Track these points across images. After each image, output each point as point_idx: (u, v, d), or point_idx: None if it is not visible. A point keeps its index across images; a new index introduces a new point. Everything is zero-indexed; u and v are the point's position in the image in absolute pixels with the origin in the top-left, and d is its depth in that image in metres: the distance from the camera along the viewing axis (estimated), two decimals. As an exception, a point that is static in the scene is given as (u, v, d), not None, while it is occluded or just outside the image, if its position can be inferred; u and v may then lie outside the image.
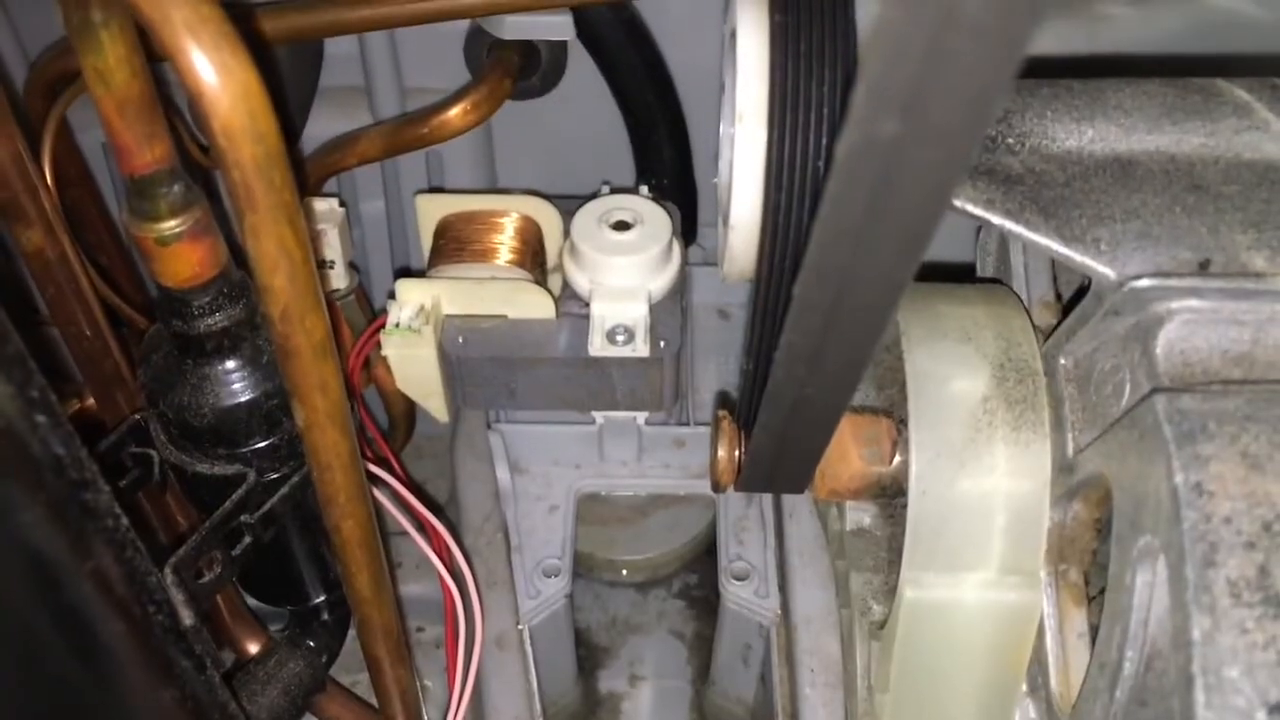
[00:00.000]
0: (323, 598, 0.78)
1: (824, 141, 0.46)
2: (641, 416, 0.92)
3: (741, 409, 0.64)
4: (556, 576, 0.87)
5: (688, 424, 0.94)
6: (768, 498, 0.91)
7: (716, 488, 0.66)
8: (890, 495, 0.64)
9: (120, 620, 0.50)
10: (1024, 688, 0.61)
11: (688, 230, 1.04)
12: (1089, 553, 0.58)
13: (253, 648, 0.85)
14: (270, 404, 0.62)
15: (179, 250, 0.56)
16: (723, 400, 0.96)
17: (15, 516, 0.41)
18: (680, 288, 0.89)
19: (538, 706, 0.84)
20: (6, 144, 0.57)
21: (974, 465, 0.55)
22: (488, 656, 0.89)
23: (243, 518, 0.64)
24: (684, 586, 1.09)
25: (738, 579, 0.87)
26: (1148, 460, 0.46)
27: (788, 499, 0.88)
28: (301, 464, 0.66)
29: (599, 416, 0.93)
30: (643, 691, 1.03)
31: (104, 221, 0.88)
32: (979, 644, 0.58)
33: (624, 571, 1.06)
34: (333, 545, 0.64)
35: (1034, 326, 0.59)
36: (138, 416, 0.66)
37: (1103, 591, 0.58)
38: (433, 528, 0.79)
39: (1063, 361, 0.57)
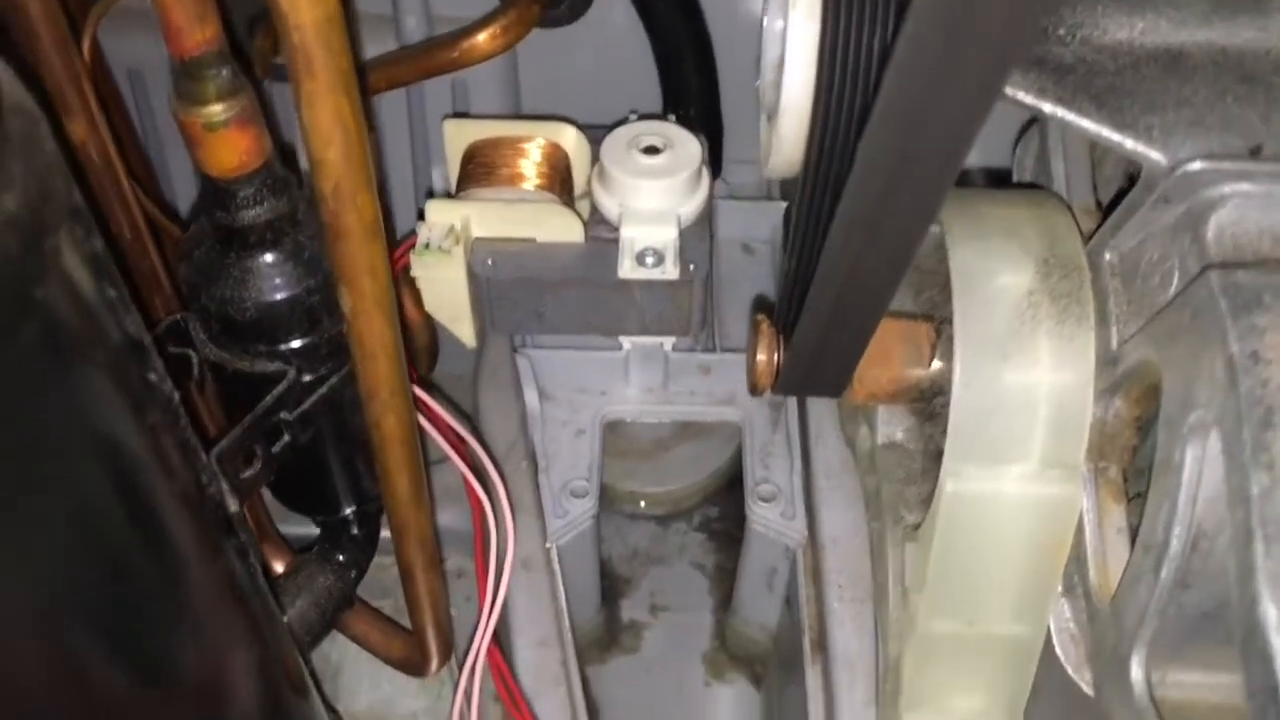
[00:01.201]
0: (352, 509, 0.78)
1: (880, 13, 0.46)
2: (668, 342, 0.92)
3: (780, 311, 0.64)
4: (584, 498, 0.88)
5: (714, 350, 0.94)
6: (794, 421, 0.91)
7: (754, 391, 0.66)
8: (927, 399, 0.64)
9: (174, 496, 0.50)
10: (1059, 588, 0.62)
11: (713, 163, 1.04)
12: (1129, 450, 0.59)
13: (280, 568, 0.86)
14: (311, 300, 0.63)
15: (226, 137, 0.56)
16: (760, 305, 0.96)
17: (86, 384, 0.42)
18: (709, 214, 0.89)
19: (566, 622, 0.84)
20: (51, 28, 0.57)
21: (1018, 358, 0.56)
22: (514, 578, 0.89)
23: (281, 415, 0.64)
24: (705, 520, 1.10)
25: (764, 501, 0.87)
26: (1201, 336, 0.46)
27: (814, 422, 0.89)
28: (340, 366, 0.66)
29: (626, 342, 0.93)
30: (664, 621, 1.04)
31: (135, 150, 0.88)
32: (1018, 538, 0.58)
33: (642, 503, 1.06)
34: (372, 443, 0.64)
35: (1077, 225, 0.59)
36: (178, 316, 0.66)
37: (1139, 496, 0.59)
38: (459, 436, 0.79)
39: (1108, 256, 0.57)
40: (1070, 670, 0.61)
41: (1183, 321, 0.48)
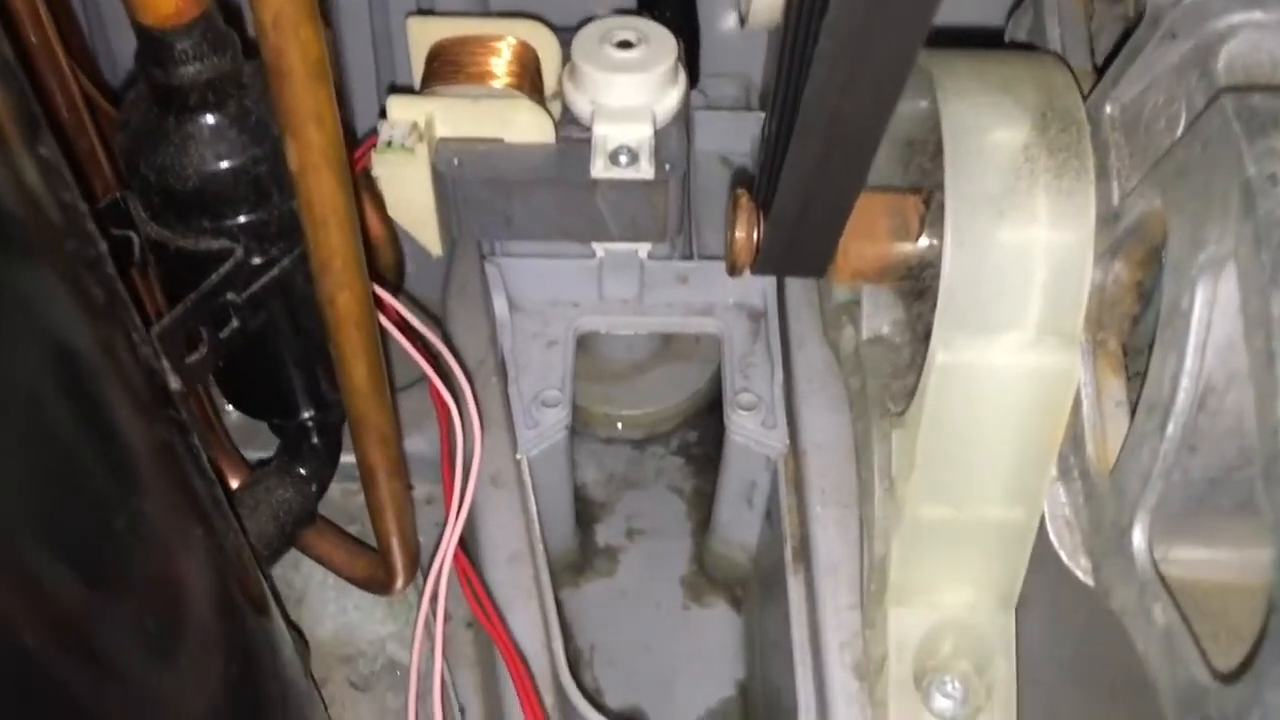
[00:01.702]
0: (311, 413, 0.74)
1: None
2: (644, 249, 0.89)
3: (760, 185, 0.61)
4: (556, 408, 0.84)
5: (691, 258, 0.90)
6: (775, 330, 0.87)
7: (732, 270, 0.62)
8: (916, 275, 0.61)
9: (114, 376, 0.46)
10: (1053, 472, 0.59)
11: (690, 72, 1.00)
12: (1129, 320, 0.55)
13: (236, 483, 0.82)
14: (258, 170, 0.58)
15: (159, -23, 0.52)
16: (740, 178, 0.93)
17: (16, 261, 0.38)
18: (686, 114, 0.85)
19: (538, 534, 0.81)
20: None
21: (1014, 215, 0.52)
22: (484, 494, 0.86)
23: (229, 296, 0.60)
24: (683, 444, 1.06)
25: (744, 410, 0.84)
26: (1213, 165, 0.43)
27: (795, 330, 0.85)
28: (292, 247, 0.62)
29: (599, 250, 0.89)
30: (641, 545, 1.01)
31: (73, 29, 0.83)
32: (1013, 411, 0.55)
33: (620, 426, 1.03)
34: (327, 326, 0.60)
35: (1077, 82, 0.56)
36: (117, 195, 0.62)
37: (1139, 375, 0.55)
38: (419, 335, 0.75)
39: (1108, 109, 0.53)
40: (1065, 558, 0.58)
41: (1193, 155, 0.45)
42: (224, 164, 0.58)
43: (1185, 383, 0.45)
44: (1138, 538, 0.49)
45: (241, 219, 0.60)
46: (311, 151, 0.51)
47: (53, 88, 0.64)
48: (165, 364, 0.55)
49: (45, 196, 0.38)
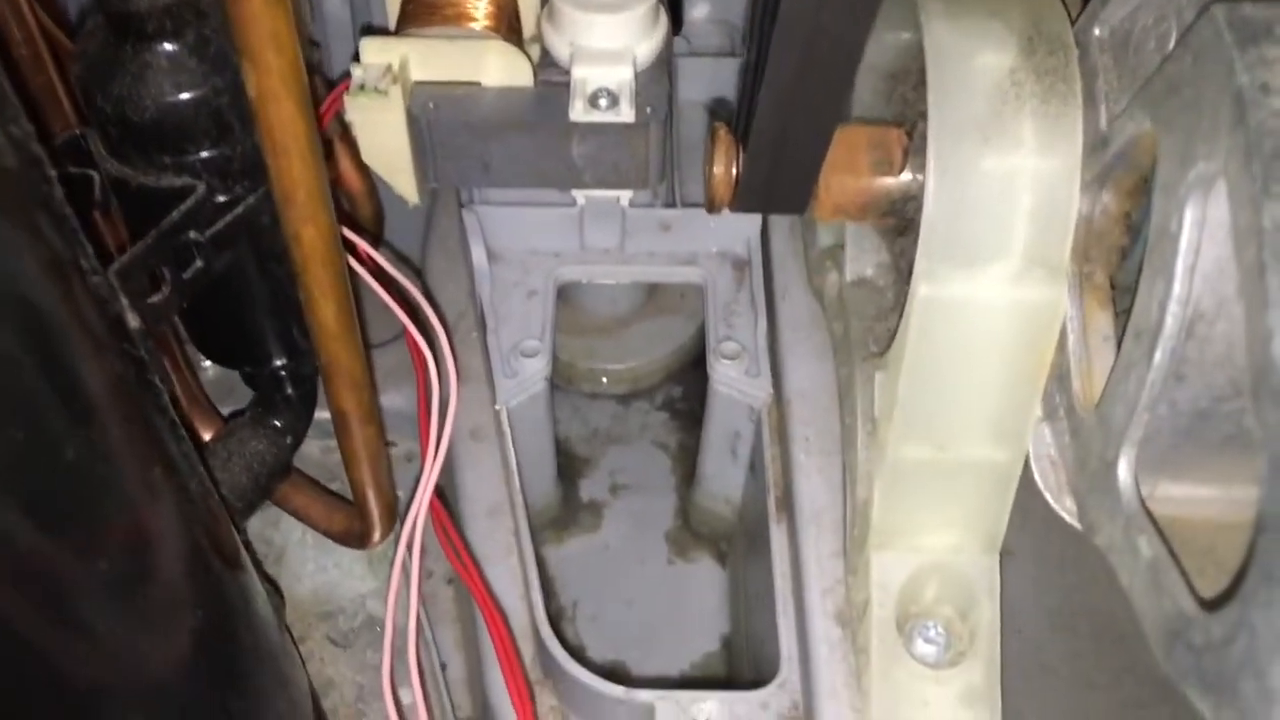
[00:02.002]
0: (283, 361, 0.72)
1: None
2: (625, 197, 0.87)
3: (740, 119, 0.59)
4: (535, 358, 0.83)
5: (674, 205, 0.89)
6: (759, 279, 0.86)
7: (711, 207, 0.60)
8: (899, 211, 0.59)
9: (72, 317, 0.44)
10: (1039, 413, 0.57)
11: (673, 17, 0.98)
12: (1116, 252, 0.54)
13: (209, 435, 0.81)
14: (219, 102, 0.56)
15: (111, -103, 0.50)
16: (718, 111, 0.91)
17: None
18: (667, 56, 0.83)
19: (517, 486, 0.79)
20: None
21: (999, 140, 0.50)
22: (462, 448, 0.84)
23: (191, 235, 0.58)
24: (668, 399, 1.05)
25: (727, 359, 0.82)
26: (1204, 78, 0.41)
27: (780, 278, 0.84)
28: (258, 185, 0.60)
29: (580, 197, 0.87)
30: (625, 500, 0.99)
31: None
32: (997, 346, 0.53)
33: (605, 380, 1.01)
34: (294, 263, 0.59)
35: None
36: (76, 131, 0.60)
37: (1126, 312, 0.54)
38: (398, 287, 0.73)
39: (1096, 32, 0.51)
40: (1050, 499, 0.57)
41: (1183, 68, 0.43)
42: (183, 95, 0.56)
43: (1173, 308, 0.44)
44: (1123, 471, 0.47)
45: (203, 154, 0.58)
46: (270, 77, 0.49)
47: (7, 20, 0.62)
48: (123, 301, 0.53)
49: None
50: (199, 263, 0.59)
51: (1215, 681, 0.36)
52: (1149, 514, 0.47)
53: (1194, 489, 0.50)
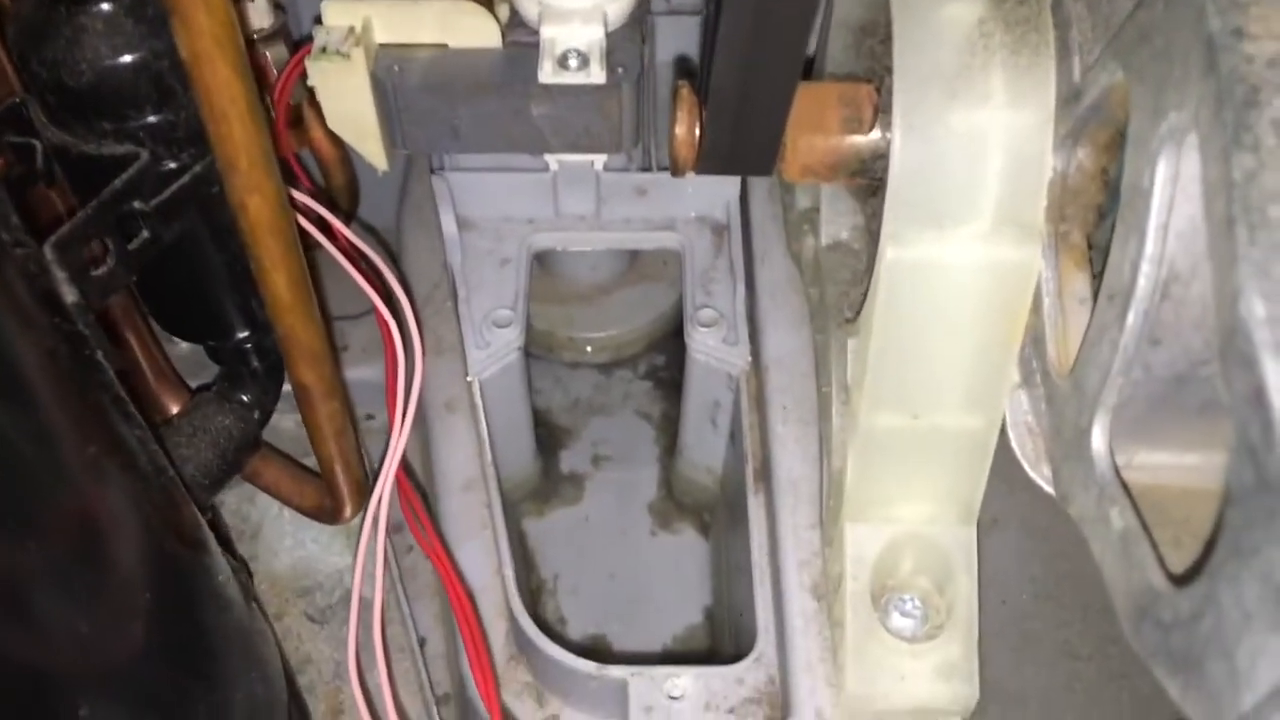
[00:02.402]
0: (247, 334, 0.70)
1: None
2: (599, 161, 0.84)
3: (702, 76, 0.56)
4: (508, 328, 0.81)
5: (650, 170, 0.86)
6: (738, 245, 0.84)
7: (675, 170, 0.58)
8: (870, 171, 0.57)
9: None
10: (1016, 378, 0.55)
11: (650, -26, 0.95)
12: (1093, 211, 0.52)
13: (177, 409, 0.79)
14: (159, 65, 0.54)
15: None
16: (682, 67, 0.88)
17: None
18: (641, 15, 0.81)
19: (489, 459, 0.78)
20: None
21: (967, 95, 0.48)
22: (436, 420, 0.83)
23: (136, 204, 0.56)
24: (651, 368, 1.03)
25: (704, 326, 0.80)
26: (1176, 24, 0.39)
27: (759, 244, 0.81)
28: (206, 152, 0.58)
29: (553, 162, 0.85)
30: (607, 472, 0.98)
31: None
32: (969, 310, 0.51)
33: (588, 349, 0.99)
34: (242, 234, 0.57)
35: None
36: (16, 99, 0.58)
37: (1103, 274, 0.52)
38: (359, 254, 0.71)
39: (1070, -21, 0.49)
40: (1028, 467, 0.55)
41: (1154, 15, 0.41)
42: (121, 58, 0.54)
43: (1146, 268, 0.41)
44: (1097, 438, 0.45)
45: (146, 120, 0.56)
46: (201, 38, 0.47)
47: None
48: (60, 274, 0.51)
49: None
50: (145, 234, 0.58)
51: (1183, 661, 0.34)
52: (1123, 483, 0.45)
53: (1171, 456, 0.48)
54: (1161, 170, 0.40)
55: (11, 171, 0.59)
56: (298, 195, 0.72)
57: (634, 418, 1.01)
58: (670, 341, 1.01)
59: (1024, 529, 0.69)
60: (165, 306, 0.70)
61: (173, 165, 0.58)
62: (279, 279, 0.58)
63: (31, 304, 0.46)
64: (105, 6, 0.53)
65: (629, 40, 0.78)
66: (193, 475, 0.72)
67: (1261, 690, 0.30)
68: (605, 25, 0.77)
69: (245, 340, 0.71)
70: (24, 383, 0.46)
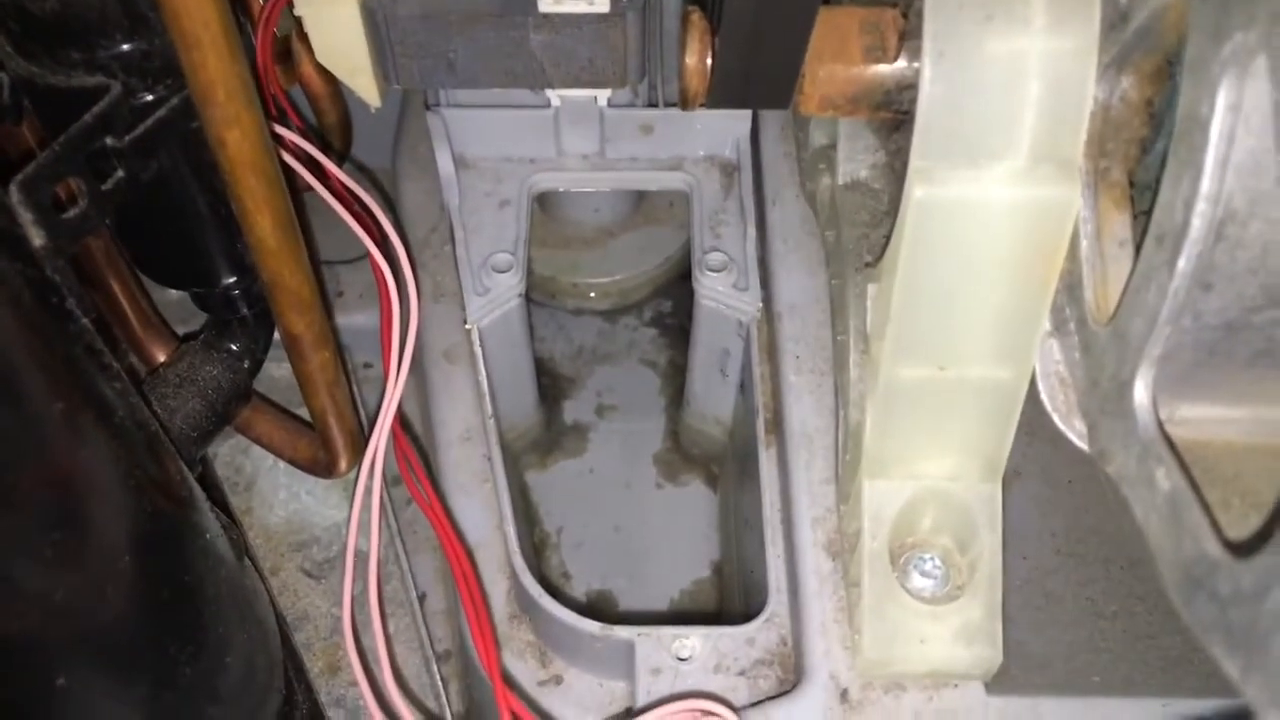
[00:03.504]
0: (234, 280, 0.67)
1: None
2: (603, 96, 0.80)
3: (714, 1, 0.52)
4: (508, 272, 0.77)
5: (656, 106, 0.82)
6: (749, 185, 0.80)
7: (684, 104, 0.54)
8: (895, 104, 0.53)
9: None
10: (1047, 326, 0.52)
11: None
12: (1136, 145, 0.48)
13: (164, 358, 0.76)
14: (129, -11, 0.50)
15: None
16: None
17: None
18: (646, -59, 0.76)
19: (489, 410, 0.75)
20: None
21: (1004, 17, 0.44)
22: (434, 370, 0.79)
23: (108, 140, 0.52)
24: (657, 314, 0.99)
25: (713, 271, 0.77)
26: (1246, -68, 0.35)
27: (771, 184, 0.78)
28: (183, 86, 0.54)
29: (554, 98, 0.81)
30: (612, 422, 0.95)
31: None
32: (1002, 253, 0.48)
33: (592, 295, 0.96)
34: (222, 172, 0.53)
35: None
36: (-23, 30, 0.54)
37: (1145, 214, 0.48)
38: (352, 196, 0.68)
39: (1118, -111, 0.45)
40: (1058, 420, 0.52)
41: (1220, -76, 0.37)
42: (86, -20, 0.50)
43: (1201, 206, 0.38)
44: (1140, 393, 0.42)
45: (117, 49, 0.52)
46: (168, -46, 0.43)
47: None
48: (26, 216, 0.48)
49: None
50: (120, 172, 0.54)
51: (1244, 638, 0.32)
52: (1169, 441, 0.42)
53: (1220, 409, 0.45)
54: (1222, 98, 0.36)
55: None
56: (287, 133, 0.69)
57: (639, 366, 0.97)
58: (677, 287, 0.97)
59: (1047, 479, 0.66)
60: (147, 251, 0.66)
61: (148, 98, 0.54)
62: (263, 221, 0.55)
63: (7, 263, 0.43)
64: (68, -76, 0.49)
65: (635, -33, 0.74)
66: (179, 428, 0.69)
67: (1341, 677, 0.27)
68: (610, -50, 0.73)
69: (233, 286, 0.68)
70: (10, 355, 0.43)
